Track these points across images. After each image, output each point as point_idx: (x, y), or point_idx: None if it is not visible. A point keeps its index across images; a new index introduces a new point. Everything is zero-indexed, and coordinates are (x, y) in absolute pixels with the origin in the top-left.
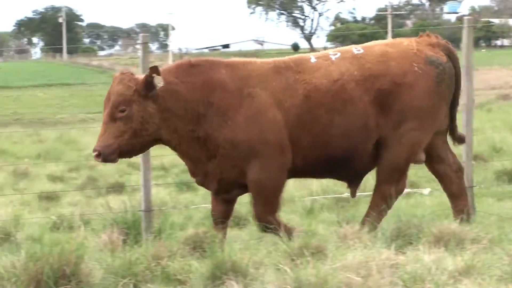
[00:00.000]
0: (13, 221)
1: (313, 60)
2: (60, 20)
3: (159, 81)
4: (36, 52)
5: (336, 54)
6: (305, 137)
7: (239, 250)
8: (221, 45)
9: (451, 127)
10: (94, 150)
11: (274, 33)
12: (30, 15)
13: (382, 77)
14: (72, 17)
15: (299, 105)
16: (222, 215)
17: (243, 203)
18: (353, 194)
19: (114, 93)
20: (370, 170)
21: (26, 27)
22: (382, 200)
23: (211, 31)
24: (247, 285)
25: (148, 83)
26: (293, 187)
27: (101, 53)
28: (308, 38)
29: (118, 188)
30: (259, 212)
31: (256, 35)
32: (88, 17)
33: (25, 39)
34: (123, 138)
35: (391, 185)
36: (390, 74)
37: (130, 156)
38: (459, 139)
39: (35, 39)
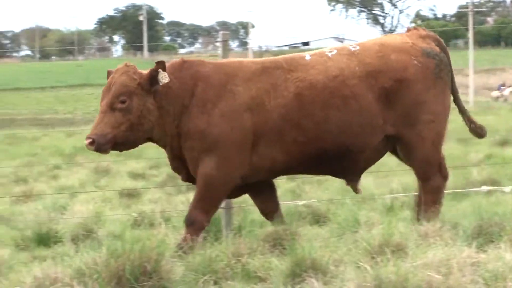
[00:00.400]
0: (94, 218)
1: (308, 57)
2: (141, 18)
3: (163, 77)
4: (117, 50)
5: (332, 51)
6: (291, 135)
7: (319, 248)
8: (301, 43)
9: (466, 120)
10: (88, 138)
11: (354, 30)
12: (112, 13)
13: (383, 73)
14: (153, 15)
15: (286, 104)
16: (270, 210)
17: (323, 201)
18: (356, 190)
19: (117, 83)
20: (369, 167)
21: (108, 25)
22: (434, 195)
23: (291, 29)
24: (327, 283)
25: (153, 78)
26: (373, 185)
27: (182, 51)
28: None
29: None
30: (194, 206)
31: (336, 32)
32: (168, 15)
33: (107, 37)
34: (119, 130)
35: (434, 177)
36: (391, 69)
37: (121, 149)
38: (480, 131)
39: (116, 37)
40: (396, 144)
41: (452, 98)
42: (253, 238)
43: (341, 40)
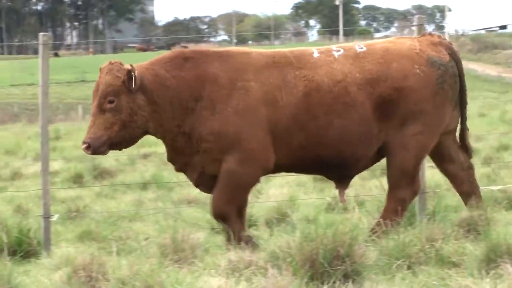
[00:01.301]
0: (288, 202)
1: (315, 54)
2: (337, 2)
3: (132, 84)
4: (312, 35)
5: (339, 50)
6: (297, 137)
7: None
8: (498, 26)
9: (462, 130)
10: (84, 143)
11: None
12: None
13: (382, 82)
14: (349, 0)
15: (296, 104)
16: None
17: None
18: (342, 198)
19: (103, 83)
20: (362, 171)
21: (304, 9)
22: (396, 204)
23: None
24: None
25: (129, 79)
26: None
27: (377, 35)
28: None
29: None
30: (218, 200)
31: None
32: (364, 0)
33: (302, 22)
34: (112, 130)
35: (404, 189)
36: (390, 78)
37: (120, 148)
38: (466, 149)
39: (312, 22)
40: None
41: (458, 107)
42: (447, 223)
43: None
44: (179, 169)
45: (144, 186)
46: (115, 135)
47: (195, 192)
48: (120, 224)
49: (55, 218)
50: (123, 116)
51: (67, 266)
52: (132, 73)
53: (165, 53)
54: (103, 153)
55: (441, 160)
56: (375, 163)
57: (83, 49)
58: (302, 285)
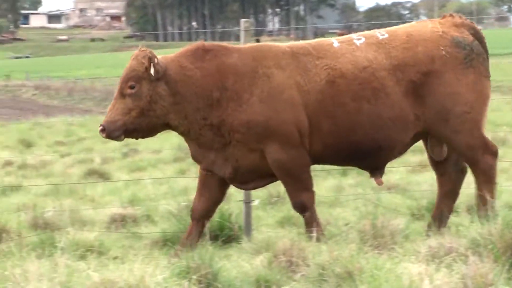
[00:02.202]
0: None
1: (336, 44)
2: None
3: (153, 72)
4: None
5: (360, 39)
6: (326, 124)
7: None
8: None
9: None
10: (100, 125)
11: None
12: None
13: (410, 67)
14: None
15: (321, 90)
16: (203, 214)
17: None
18: (379, 182)
19: (127, 68)
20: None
21: None
22: (485, 175)
23: None
24: None
25: (148, 67)
26: None
27: None
28: None
29: None
30: (291, 192)
31: None
32: None
33: (505, 7)
34: (130, 116)
35: (482, 159)
36: (418, 62)
37: (137, 137)
38: None
39: None
40: (429, 139)
41: None
42: None
43: None
44: (205, 168)
45: (344, 172)
46: (131, 121)
47: (395, 178)
48: (320, 210)
49: (256, 203)
50: (142, 103)
51: (267, 251)
52: (152, 61)
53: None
54: (118, 138)
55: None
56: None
57: (284, 35)
58: (503, 272)
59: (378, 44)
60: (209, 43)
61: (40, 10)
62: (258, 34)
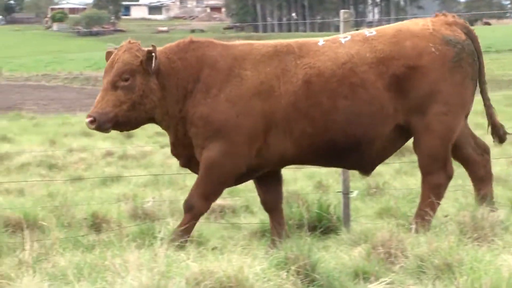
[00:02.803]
0: None
1: (321, 43)
2: None
3: (151, 64)
4: None
5: (346, 37)
6: (300, 125)
7: None
8: None
9: (487, 110)
10: (89, 116)
11: None
12: None
13: (396, 60)
14: None
15: (295, 92)
16: (272, 204)
17: None
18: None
19: (120, 61)
20: (385, 159)
21: None
22: (431, 191)
23: None
24: None
25: (149, 59)
26: None
27: None
28: None
29: None
30: (194, 190)
31: None
32: None
33: None
34: (121, 109)
35: (437, 174)
36: (404, 56)
37: (122, 129)
38: (500, 137)
39: None
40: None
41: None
42: None
43: None
44: (183, 164)
45: None
46: (122, 114)
47: (496, 169)
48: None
49: (354, 194)
50: (134, 97)
51: (366, 242)
52: (153, 54)
53: None
54: (107, 130)
55: (454, 146)
56: (398, 148)
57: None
58: None
59: (364, 40)
60: (198, 37)
61: (141, 1)
62: (357, 25)
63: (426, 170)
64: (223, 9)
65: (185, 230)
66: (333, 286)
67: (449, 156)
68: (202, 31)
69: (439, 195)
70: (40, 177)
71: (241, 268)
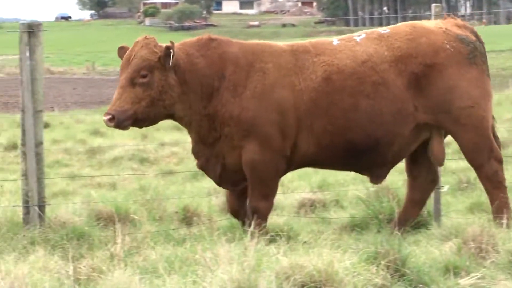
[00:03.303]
0: None
1: (335, 42)
2: None
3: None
4: None
5: (360, 35)
6: (320, 122)
7: None
8: None
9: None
10: (108, 114)
11: None
12: None
13: (413, 58)
14: None
15: (315, 88)
16: (239, 208)
17: None
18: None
19: (138, 57)
20: (399, 161)
21: None
22: (492, 182)
23: None
24: None
25: (167, 55)
26: None
27: None
28: None
29: None
30: (253, 195)
31: None
32: None
33: None
34: (140, 105)
35: (488, 164)
36: (421, 53)
37: (141, 126)
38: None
39: None
40: (431, 140)
41: None
42: None
43: None
44: (201, 165)
45: None
46: (141, 110)
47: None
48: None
49: (445, 189)
50: (153, 93)
51: (456, 237)
52: (171, 50)
53: None
54: (126, 127)
55: (412, 159)
56: (411, 151)
57: (476, 19)
58: None
59: (380, 37)
60: (215, 35)
61: None
62: None
63: (477, 164)
64: (314, 4)
65: (262, 230)
66: (423, 281)
67: (492, 142)
68: (293, 25)
69: (501, 180)
70: (132, 171)
71: (331, 263)
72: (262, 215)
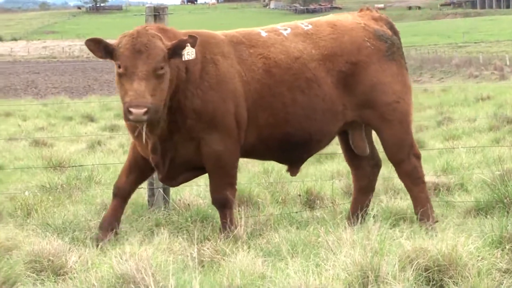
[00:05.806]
0: None
1: (263, 34)
2: None
3: (189, 53)
4: None
5: (286, 29)
6: (264, 114)
7: None
8: None
9: None
10: (142, 106)
11: None
12: None
13: (339, 56)
14: None
15: (260, 80)
16: (127, 192)
17: None
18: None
19: (156, 47)
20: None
21: None
22: (411, 178)
23: None
24: None
25: (177, 48)
26: None
27: None
28: None
29: None
30: (217, 186)
31: None
32: None
33: None
34: (164, 98)
35: (408, 159)
36: (346, 52)
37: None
38: None
39: None
40: (352, 133)
41: None
42: None
43: None
44: (155, 161)
45: None
46: (164, 103)
47: None
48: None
49: None
50: (169, 85)
51: None
52: (195, 43)
53: None
54: (156, 121)
55: (349, 149)
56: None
57: None
58: None
59: (305, 34)
60: (156, 26)
61: None
62: None
63: (397, 159)
64: None
65: (232, 223)
66: None
67: (413, 139)
68: (418, 8)
69: (421, 175)
70: None
71: (455, 247)
72: (230, 203)
